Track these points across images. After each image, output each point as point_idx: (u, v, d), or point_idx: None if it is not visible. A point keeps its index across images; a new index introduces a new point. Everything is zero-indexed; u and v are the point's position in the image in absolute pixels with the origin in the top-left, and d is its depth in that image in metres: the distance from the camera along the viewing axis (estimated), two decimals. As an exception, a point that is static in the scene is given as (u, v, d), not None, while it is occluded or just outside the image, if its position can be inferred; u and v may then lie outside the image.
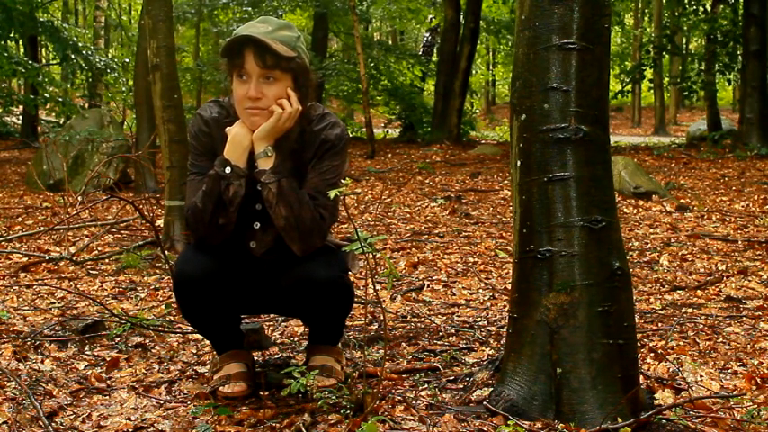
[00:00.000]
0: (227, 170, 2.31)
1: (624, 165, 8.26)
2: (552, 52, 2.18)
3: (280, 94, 2.31)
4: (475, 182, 9.66)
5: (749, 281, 4.22)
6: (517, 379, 2.20)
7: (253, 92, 2.28)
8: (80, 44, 15.00)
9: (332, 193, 2.09)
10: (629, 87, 16.70)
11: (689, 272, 4.54)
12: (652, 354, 2.85)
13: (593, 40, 2.19)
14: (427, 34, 22.13)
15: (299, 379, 2.22)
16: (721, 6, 14.91)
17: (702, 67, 16.19)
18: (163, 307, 3.72)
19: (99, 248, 5.40)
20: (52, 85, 15.04)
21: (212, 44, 20.53)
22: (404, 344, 3.06)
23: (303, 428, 2.13)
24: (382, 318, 2.89)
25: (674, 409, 2.21)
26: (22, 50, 17.61)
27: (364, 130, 14.54)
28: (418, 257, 5.05)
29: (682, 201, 7.68)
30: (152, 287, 4.21)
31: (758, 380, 2.56)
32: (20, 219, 6.99)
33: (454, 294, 4.05)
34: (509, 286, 3.02)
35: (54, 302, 3.82)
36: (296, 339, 3.18)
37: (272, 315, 3.36)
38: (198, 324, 2.48)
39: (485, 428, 2.13)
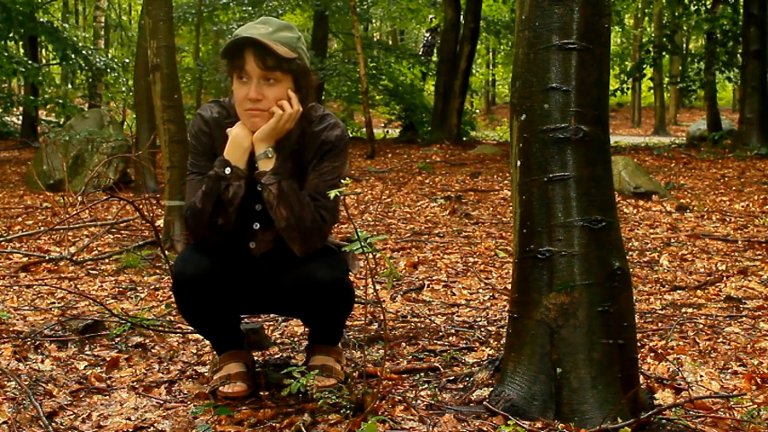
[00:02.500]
0: (227, 171, 2.31)
1: (624, 165, 8.26)
2: (552, 52, 2.18)
3: (280, 96, 2.31)
4: (475, 182, 9.65)
5: (749, 281, 4.22)
6: (517, 379, 2.20)
7: (253, 93, 2.28)
8: (80, 44, 15.01)
9: (332, 194, 2.09)
10: (628, 85, 16.68)
11: (689, 272, 4.54)
12: (652, 354, 2.85)
13: (593, 40, 2.19)
14: (427, 34, 22.14)
15: (299, 379, 2.22)
16: (721, 6, 14.90)
17: (702, 67, 16.17)
18: (163, 307, 3.72)
19: (99, 248, 5.40)
20: (52, 85, 15.05)
21: (212, 44, 20.53)
22: (404, 344, 3.06)
23: (303, 428, 2.13)
24: (382, 318, 2.89)
25: (674, 409, 2.21)
26: (21, 51, 17.61)
27: (364, 130, 14.54)
28: (418, 257, 5.05)
29: (682, 201, 7.68)
30: (152, 287, 4.21)
31: (758, 380, 2.56)
32: (20, 219, 6.99)
33: (454, 294, 4.05)
34: (509, 286, 3.02)
35: (54, 302, 3.82)
36: (296, 339, 3.18)
37: (272, 315, 3.36)
38: (197, 324, 2.48)
39: (485, 428, 2.13)
